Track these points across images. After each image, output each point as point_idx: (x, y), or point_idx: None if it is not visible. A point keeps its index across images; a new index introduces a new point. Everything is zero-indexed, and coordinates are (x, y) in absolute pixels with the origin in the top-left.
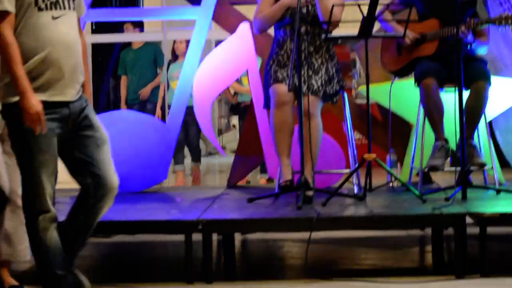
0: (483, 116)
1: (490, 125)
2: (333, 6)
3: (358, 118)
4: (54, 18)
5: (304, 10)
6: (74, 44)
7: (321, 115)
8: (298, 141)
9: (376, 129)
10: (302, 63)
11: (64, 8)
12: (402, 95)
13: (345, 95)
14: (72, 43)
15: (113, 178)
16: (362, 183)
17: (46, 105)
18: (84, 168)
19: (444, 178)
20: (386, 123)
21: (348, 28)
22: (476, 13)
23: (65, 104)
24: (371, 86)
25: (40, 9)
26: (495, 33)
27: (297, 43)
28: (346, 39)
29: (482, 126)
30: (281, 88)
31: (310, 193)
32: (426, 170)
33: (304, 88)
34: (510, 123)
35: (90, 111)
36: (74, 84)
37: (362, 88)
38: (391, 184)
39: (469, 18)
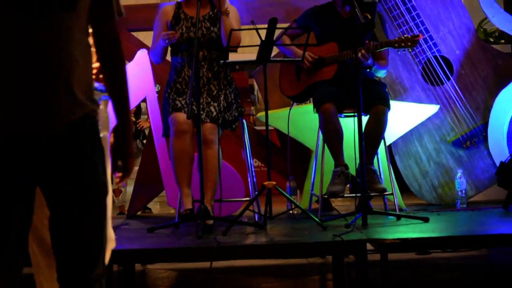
0: (382, 140)
1: (389, 149)
2: (231, 31)
3: (257, 145)
4: (26, 24)
5: (200, 34)
6: (54, 62)
7: (220, 142)
8: (198, 169)
9: (276, 156)
10: (200, 90)
11: (45, 10)
12: (301, 121)
13: (244, 121)
14: (49, 60)
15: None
16: (262, 211)
17: None
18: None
19: (345, 204)
20: (285, 149)
21: (246, 53)
22: (375, 35)
23: (24, 138)
24: (270, 112)
25: (2, 12)
26: (394, 56)
27: (195, 70)
28: (244, 64)
29: (382, 150)
30: (180, 117)
31: (210, 222)
32: (326, 196)
33: (203, 115)
34: (409, 148)
35: (78, 155)
36: (45, 115)
37: (261, 115)
38: (291, 212)
39: (368, 41)
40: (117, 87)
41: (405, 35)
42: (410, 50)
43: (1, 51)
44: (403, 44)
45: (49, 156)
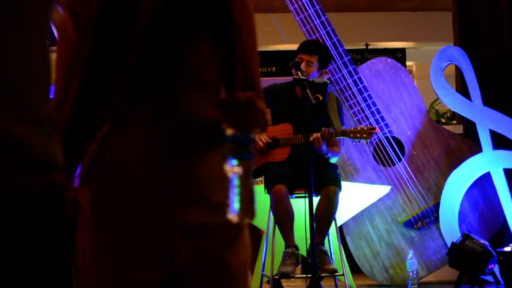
0: (333, 221)
1: (341, 230)
2: None
3: None
4: None
5: None
6: None
7: None
8: None
9: None
10: None
11: None
12: None
13: None
14: None
15: None
16: None
17: None
18: None
19: (296, 285)
20: None
21: None
22: (331, 121)
23: None
24: None
25: None
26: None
27: None
28: None
29: (333, 231)
30: None
31: None
32: (277, 277)
33: None
34: (360, 228)
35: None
36: None
37: None
38: None
39: (324, 128)
40: None
41: (361, 127)
42: (366, 141)
43: None
44: (358, 135)
45: None
